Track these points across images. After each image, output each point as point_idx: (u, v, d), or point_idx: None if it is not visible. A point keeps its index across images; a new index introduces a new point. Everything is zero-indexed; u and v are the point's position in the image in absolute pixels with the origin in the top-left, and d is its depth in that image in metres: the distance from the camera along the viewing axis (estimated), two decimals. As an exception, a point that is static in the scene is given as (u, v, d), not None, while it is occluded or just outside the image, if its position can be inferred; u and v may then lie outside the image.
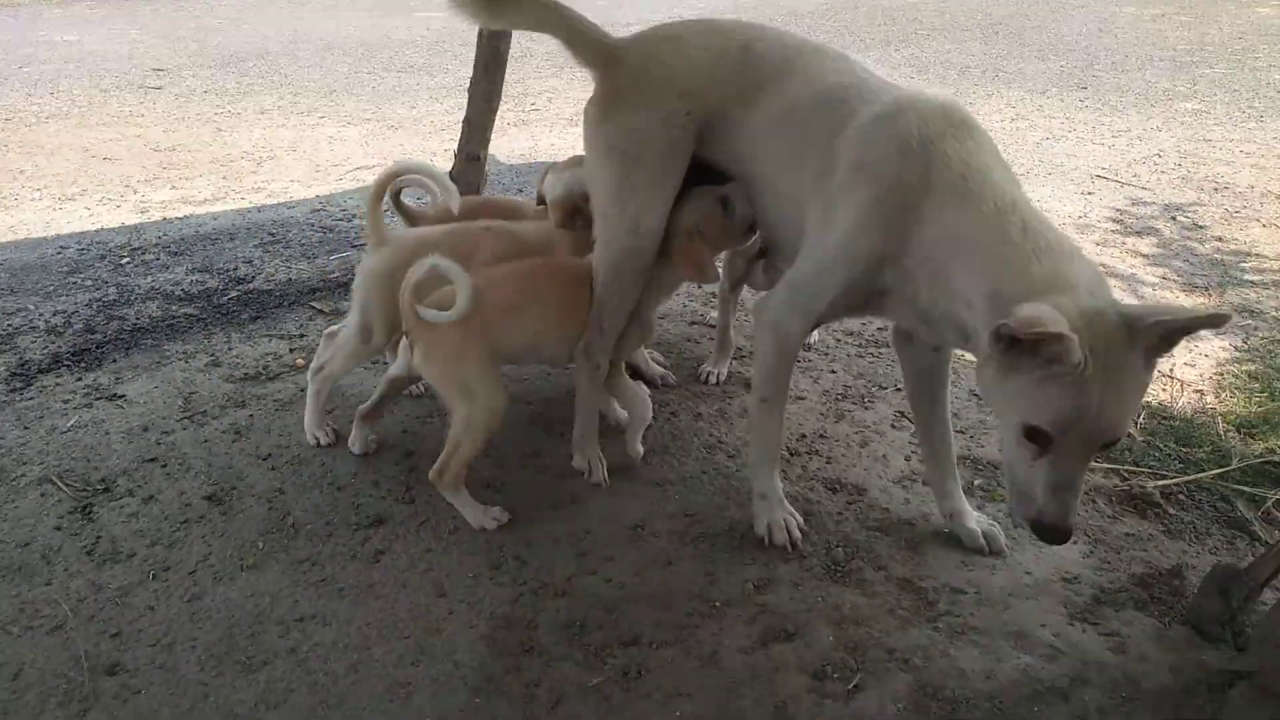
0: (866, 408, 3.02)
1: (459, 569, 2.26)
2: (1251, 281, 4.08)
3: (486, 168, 3.99)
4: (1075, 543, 2.36)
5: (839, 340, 3.50)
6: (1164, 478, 2.62)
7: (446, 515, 2.45)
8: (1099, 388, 1.59)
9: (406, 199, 3.04)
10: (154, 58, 9.34)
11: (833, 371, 3.27)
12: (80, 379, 3.15)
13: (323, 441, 2.75)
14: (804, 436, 2.84)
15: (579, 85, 8.45)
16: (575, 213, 2.64)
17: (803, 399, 3.06)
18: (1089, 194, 5.33)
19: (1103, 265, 4.22)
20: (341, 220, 4.88)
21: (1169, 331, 1.62)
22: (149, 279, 4.03)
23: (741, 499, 2.50)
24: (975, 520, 2.35)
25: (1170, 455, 2.74)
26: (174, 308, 3.74)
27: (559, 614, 2.11)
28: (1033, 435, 1.69)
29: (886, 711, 1.84)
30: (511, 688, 1.91)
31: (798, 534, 2.33)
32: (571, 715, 1.84)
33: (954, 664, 1.96)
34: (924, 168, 1.92)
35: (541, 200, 2.80)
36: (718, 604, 2.15)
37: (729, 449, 2.78)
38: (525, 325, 2.47)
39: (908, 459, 2.73)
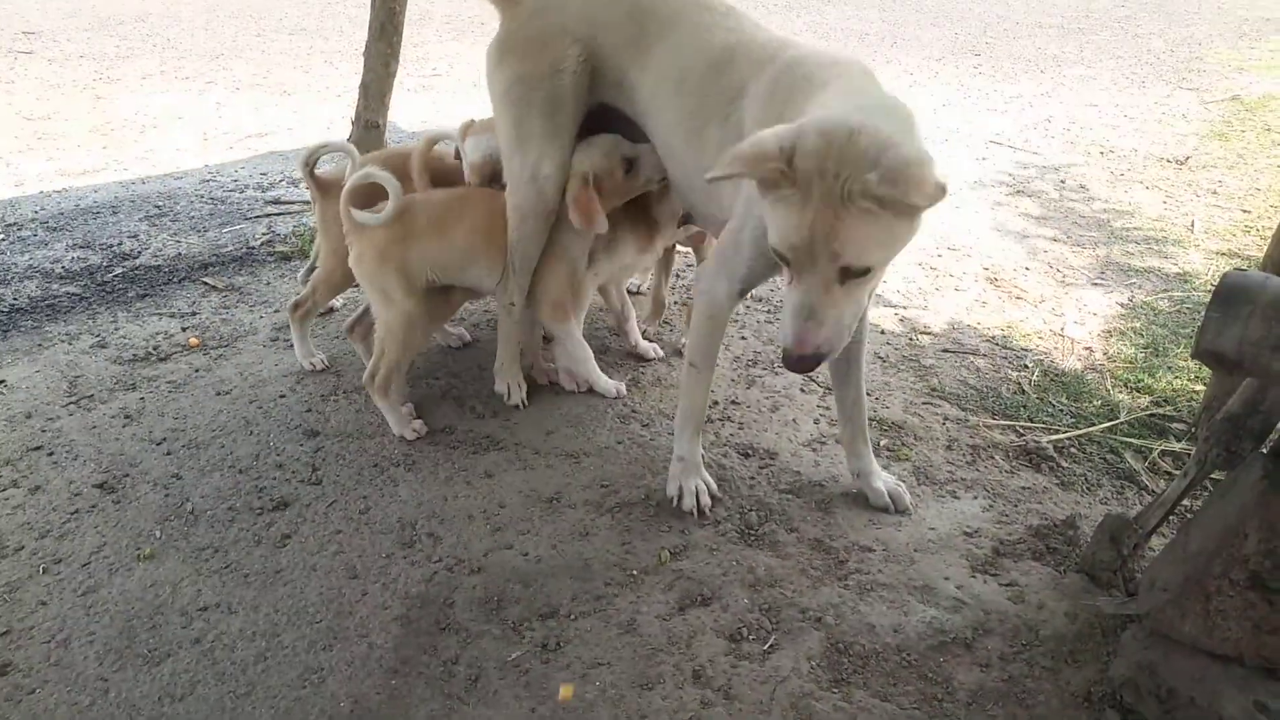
0: (776, 373, 3.06)
1: (371, 549, 2.21)
2: (1135, 240, 4.27)
3: (386, 134, 3.87)
4: (975, 497, 2.45)
5: (748, 307, 3.53)
6: (1056, 432, 2.73)
7: (355, 495, 2.39)
8: (822, 209, 1.60)
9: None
10: (23, 19, 8.74)
11: (743, 338, 3.30)
12: (-48, 365, 2.96)
13: (318, 366, 2.91)
14: (716, 403, 2.86)
15: (480, 49, 8.28)
16: (495, 176, 2.66)
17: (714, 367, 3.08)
18: (983, 159, 5.48)
19: (996, 227, 4.36)
20: (233, 191, 4.67)
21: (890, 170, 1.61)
22: (26, 256, 3.80)
23: (657, 468, 2.51)
24: (882, 480, 2.41)
25: (1062, 410, 2.86)
26: (55, 286, 3.54)
27: (475, 590, 2.09)
28: (780, 260, 1.73)
29: (801, 669, 1.88)
30: (429, 667, 1.88)
31: (707, 501, 2.36)
32: (490, 691, 1.82)
33: (864, 620, 2.02)
34: None
35: (458, 157, 2.75)
36: (634, 572, 2.16)
37: (643, 418, 2.78)
38: (450, 244, 2.60)
39: (816, 422, 2.79)
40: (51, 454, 2.53)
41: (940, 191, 1.57)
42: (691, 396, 2.35)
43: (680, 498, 2.35)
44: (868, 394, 2.86)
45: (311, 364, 2.95)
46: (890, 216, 1.60)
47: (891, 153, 1.56)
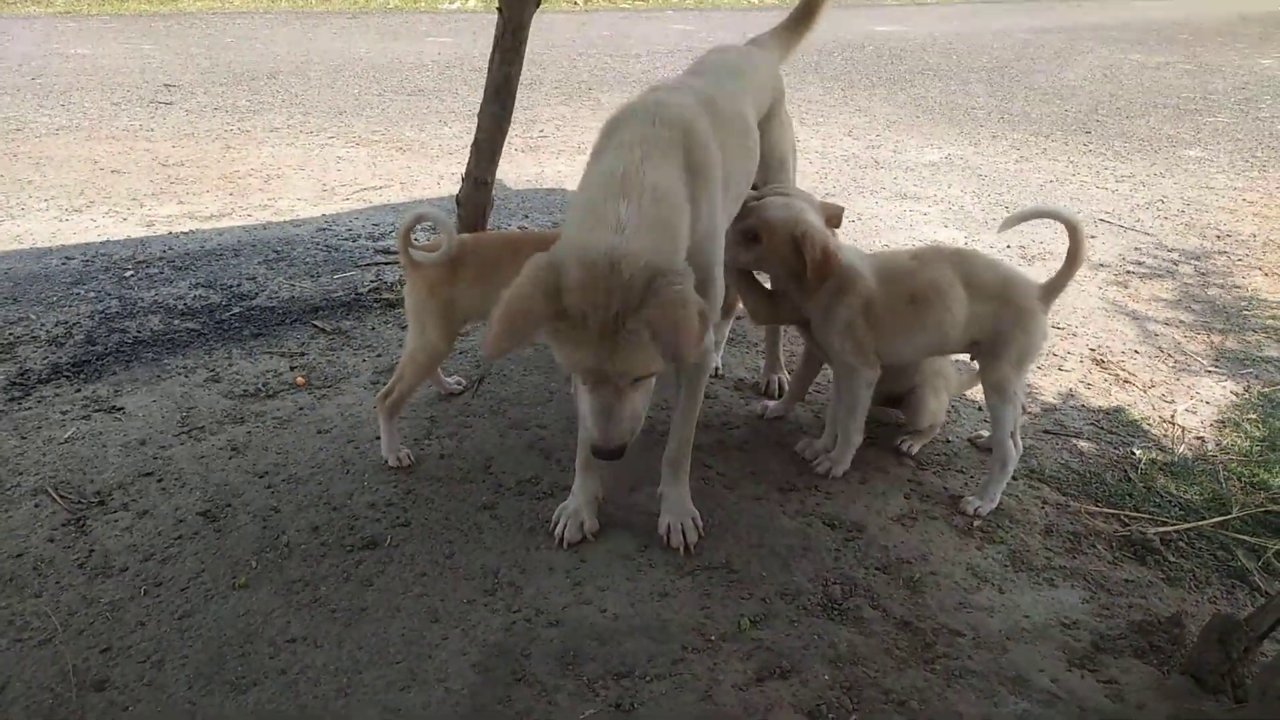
0: (868, 443, 3.00)
1: (453, 594, 2.24)
2: (1253, 328, 4.09)
3: (493, 193, 4.01)
4: (1074, 587, 2.35)
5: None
6: (1164, 524, 2.60)
7: (442, 539, 2.43)
8: (600, 339, 1.70)
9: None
10: (165, 73, 9.40)
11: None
12: (79, 390, 3.15)
13: (404, 463, 2.79)
14: (803, 472, 2.82)
15: (587, 113, 8.51)
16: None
17: (806, 431, 3.05)
18: (1092, 238, 5.34)
19: (1105, 305, 4.23)
20: (347, 240, 4.89)
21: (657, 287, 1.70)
22: (152, 292, 4.03)
23: (739, 533, 2.49)
24: None
25: (1170, 501, 2.73)
26: (176, 322, 3.74)
27: (552, 643, 2.09)
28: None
29: (881, 753, 1.82)
30: (503, 717, 1.88)
31: (574, 535, 2.44)
32: (563, 747, 1.81)
33: (950, 707, 1.94)
34: None
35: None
36: (713, 638, 2.13)
37: (727, 480, 2.77)
38: (496, 288, 2.51)
39: (907, 497, 2.72)
40: (161, 480, 2.65)
41: (703, 348, 1.75)
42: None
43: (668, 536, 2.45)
44: (959, 474, 2.79)
45: (398, 459, 2.79)
46: (671, 317, 1.71)
47: (658, 294, 1.66)
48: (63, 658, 1.99)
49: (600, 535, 2.48)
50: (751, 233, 2.57)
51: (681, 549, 2.39)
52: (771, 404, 3.17)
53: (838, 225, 2.74)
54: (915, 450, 2.93)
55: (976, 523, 2.59)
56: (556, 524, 2.45)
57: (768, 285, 2.86)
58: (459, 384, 3.27)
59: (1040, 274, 3.11)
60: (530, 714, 1.89)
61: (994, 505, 2.62)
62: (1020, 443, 2.66)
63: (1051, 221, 3.05)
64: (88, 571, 2.27)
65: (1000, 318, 2.56)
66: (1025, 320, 2.56)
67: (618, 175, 1.83)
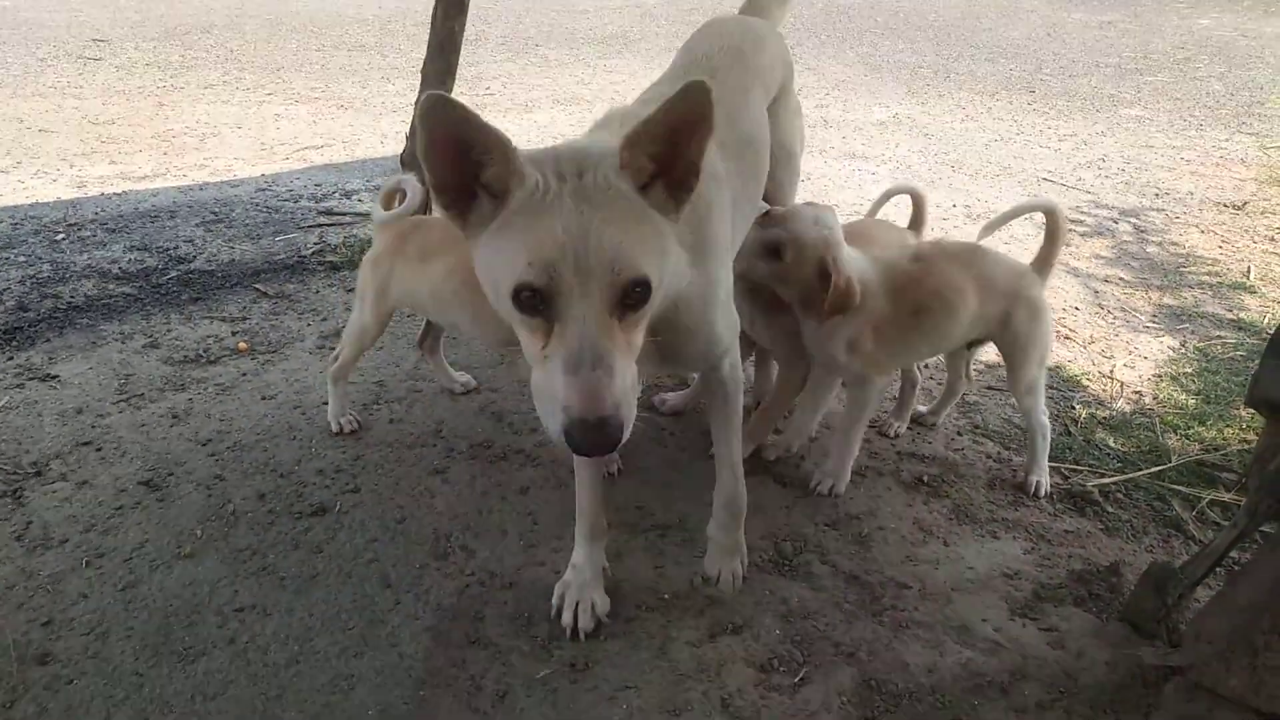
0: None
1: (405, 559, 2.22)
2: (1189, 284, 4.19)
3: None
4: (1016, 539, 2.41)
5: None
6: (1102, 476, 2.67)
7: (392, 505, 2.41)
8: (575, 212, 1.32)
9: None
10: (94, 27, 9.03)
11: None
12: (11, 358, 3.04)
13: (346, 429, 2.73)
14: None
15: (533, 70, 8.37)
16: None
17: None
18: (1034, 197, 5.42)
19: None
20: (288, 201, 4.77)
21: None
22: (85, 256, 3.90)
23: (692, 492, 2.50)
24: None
25: (1109, 454, 2.80)
26: (111, 286, 3.63)
27: (506, 606, 2.09)
28: (523, 301, 1.34)
29: (832, 704, 1.86)
30: (457, 680, 1.88)
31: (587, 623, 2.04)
32: (517, 708, 1.82)
33: (898, 657, 1.99)
34: None
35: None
36: (666, 596, 2.15)
37: (680, 442, 2.78)
38: (425, 275, 2.50)
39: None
40: (100, 450, 2.59)
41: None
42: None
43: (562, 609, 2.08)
44: (908, 431, 2.83)
45: (339, 424, 2.74)
46: (655, 216, 1.42)
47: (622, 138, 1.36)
48: (2, 632, 1.94)
49: (554, 495, 2.47)
50: (775, 246, 2.36)
51: (729, 589, 2.18)
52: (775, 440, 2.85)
53: None
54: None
55: (924, 478, 2.64)
56: (562, 610, 2.05)
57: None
58: (467, 385, 3.01)
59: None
60: (484, 676, 1.89)
61: (1047, 475, 2.62)
62: (1046, 411, 2.63)
63: (994, 183, 3.07)
64: (26, 544, 2.21)
65: (1015, 316, 2.47)
66: (1039, 313, 2.50)
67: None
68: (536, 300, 1.32)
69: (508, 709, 1.82)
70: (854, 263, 2.38)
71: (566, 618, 2.03)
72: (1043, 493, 2.59)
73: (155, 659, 1.90)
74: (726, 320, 1.92)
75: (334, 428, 2.72)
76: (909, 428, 2.91)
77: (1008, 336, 2.51)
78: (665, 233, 1.45)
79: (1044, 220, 2.57)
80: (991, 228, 2.67)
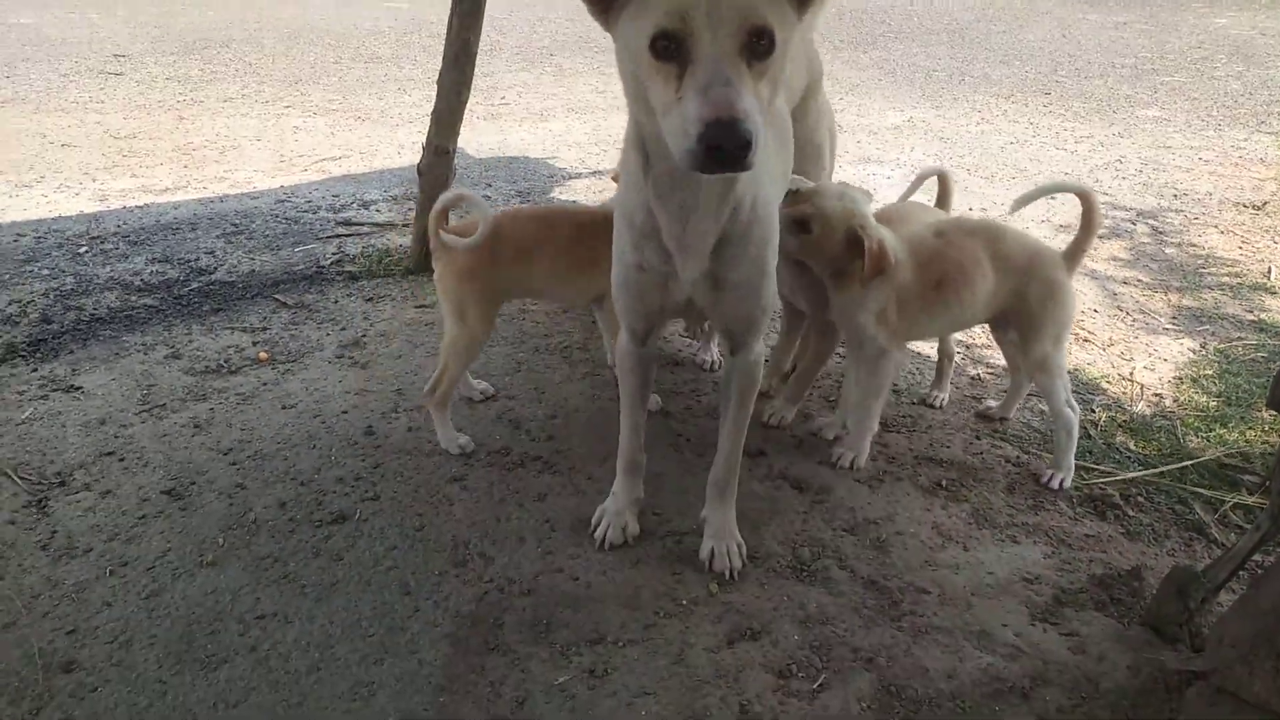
0: (831, 405, 3.03)
1: (424, 566, 2.24)
2: (1209, 285, 4.16)
3: (455, 161, 3.96)
4: (1036, 543, 2.40)
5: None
6: (1124, 479, 2.65)
7: (411, 512, 2.43)
8: None
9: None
10: (114, 43, 9.15)
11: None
12: (36, 370, 3.08)
13: (469, 449, 2.71)
14: (770, 438, 2.85)
15: (549, 79, 8.41)
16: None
17: (772, 398, 3.06)
18: (1051, 199, 5.39)
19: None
20: (306, 212, 4.81)
21: None
22: (108, 269, 3.95)
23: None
24: (711, 544, 2.31)
25: (1130, 457, 2.78)
26: (133, 298, 3.67)
27: (525, 612, 2.10)
28: (658, 49, 1.45)
29: (851, 710, 1.85)
30: (476, 687, 1.89)
31: (617, 536, 2.35)
32: (536, 714, 1.83)
33: (917, 663, 1.98)
34: None
35: None
36: (684, 602, 2.15)
37: (695, 446, 2.78)
38: (537, 267, 2.62)
39: (874, 459, 2.75)
40: (123, 460, 2.62)
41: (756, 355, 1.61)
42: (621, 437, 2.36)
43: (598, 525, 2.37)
44: (924, 434, 2.83)
45: (459, 447, 2.72)
46: None
47: None
48: (28, 640, 1.96)
49: (571, 502, 2.48)
50: (803, 221, 2.47)
51: (726, 573, 2.23)
52: (776, 404, 2.98)
53: None
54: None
55: (943, 482, 2.63)
56: (597, 525, 2.35)
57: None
58: (486, 392, 3.03)
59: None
60: (504, 682, 1.90)
61: (1072, 472, 2.63)
62: (1076, 406, 2.64)
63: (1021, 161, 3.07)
64: (51, 553, 2.24)
65: (1028, 292, 2.55)
66: (1056, 293, 2.55)
67: None
68: (671, 47, 1.44)
69: (527, 715, 1.83)
70: (886, 234, 2.49)
71: (598, 533, 2.33)
72: (1056, 487, 2.61)
73: (178, 667, 1.92)
74: (770, 292, 2.06)
75: (453, 450, 2.69)
76: (924, 432, 2.90)
77: (1021, 312, 2.58)
78: (787, 10, 1.53)
79: (1079, 206, 2.61)
80: (1023, 202, 2.69)
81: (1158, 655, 1.95)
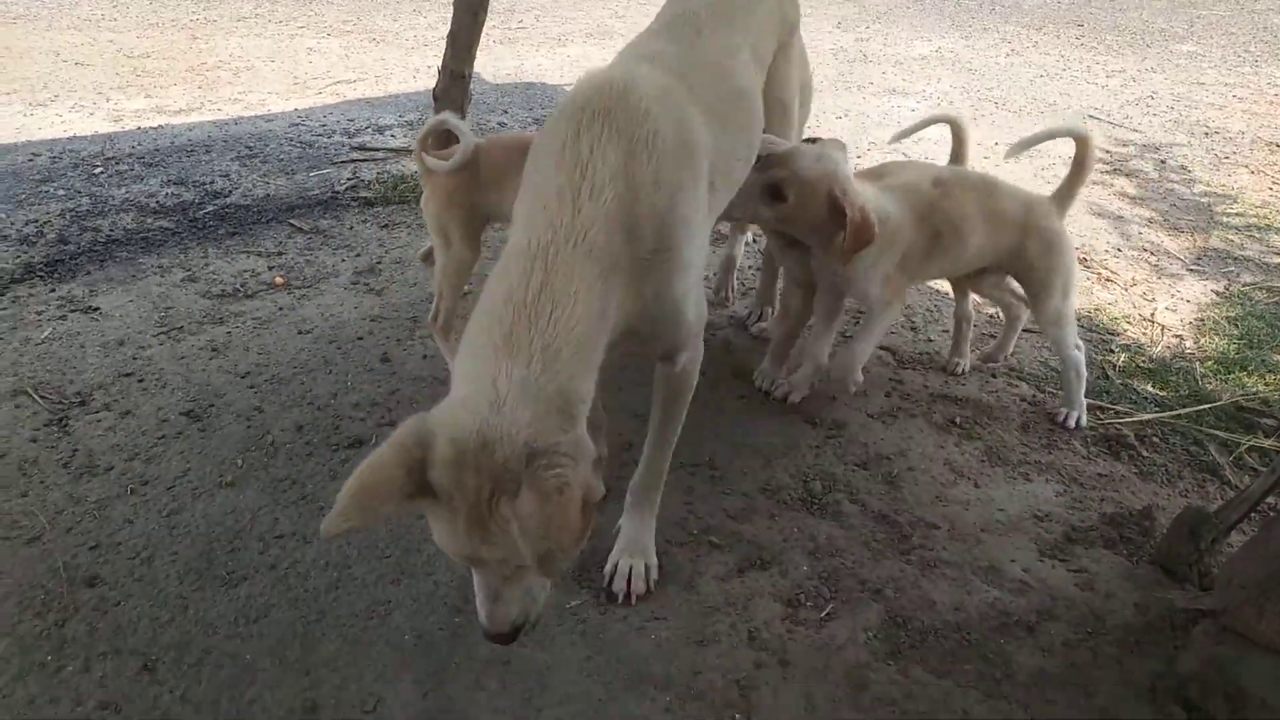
0: (845, 340, 3.02)
1: (439, 491, 2.26)
2: (1236, 227, 4.08)
3: (471, 86, 3.89)
4: (1049, 481, 2.40)
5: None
6: (1137, 416, 2.65)
7: (427, 438, 2.45)
8: (471, 523, 1.32)
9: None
10: (126, -42, 8.98)
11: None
12: (54, 290, 3.10)
13: None
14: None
15: (566, 4, 8.23)
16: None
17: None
18: (1066, 121, 5.28)
19: (1089, 205, 4.21)
20: (321, 135, 4.76)
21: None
22: (123, 190, 3.94)
23: (722, 431, 2.52)
24: (621, 558, 2.04)
25: (1147, 399, 2.77)
26: (149, 220, 3.66)
27: (538, 538, 2.12)
28: None
29: (858, 639, 1.88)
30: (490, 608, 1.92)
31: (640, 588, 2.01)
32: (549, 636, 1.86)
33: (925, 596, 2.00)
34: None
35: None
36: (695, 532, 2.17)
37: (709, 379, 2.78)
38: (512, 192, 2.47)
39: (888, 395, 2.75)
40: (142, 380, 2.64)
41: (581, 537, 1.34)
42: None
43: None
44: (939, 372, 2.81)
45: None
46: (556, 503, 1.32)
47: (534, 479, 1.28)
48: (52, 555, 2.01)
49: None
50: (777, 188, 2.26)
51: (621, 597, 1.96)
52: (763, 367, 2.81)
53: None
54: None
55: (957, 419, 2.63)
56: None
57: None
58: None
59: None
60: (517, 605, 1.93)
61: (1085, 410, 2.62)
62: (1082, 345, 2.61)
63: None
64: (73, 471, 2.27)
65: (1028, 248, 2.48)
66: (1051, 243, 2.49)
67: (510, 309, 1.41)
68: None
69: (539, 637, 1.86)
70: (870, 196, 2.31)
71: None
72: (1073, 425, 2.60)
73: (199, 583, 1.96)
74: (697, 310, 1.80)
75: None
76: (939, 369, 2.89)
77: (1024, 269, 2.53)
78: None
79: (1073, 148, 2.54)
80: (1019, 149, 2.61)
81: (1166, 594, 1.97)
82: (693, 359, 1.89)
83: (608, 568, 2.01)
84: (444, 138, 2.88)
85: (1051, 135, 2.65)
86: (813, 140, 2.39)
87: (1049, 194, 2.59)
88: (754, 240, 3.56)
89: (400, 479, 1.31)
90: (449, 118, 2.57)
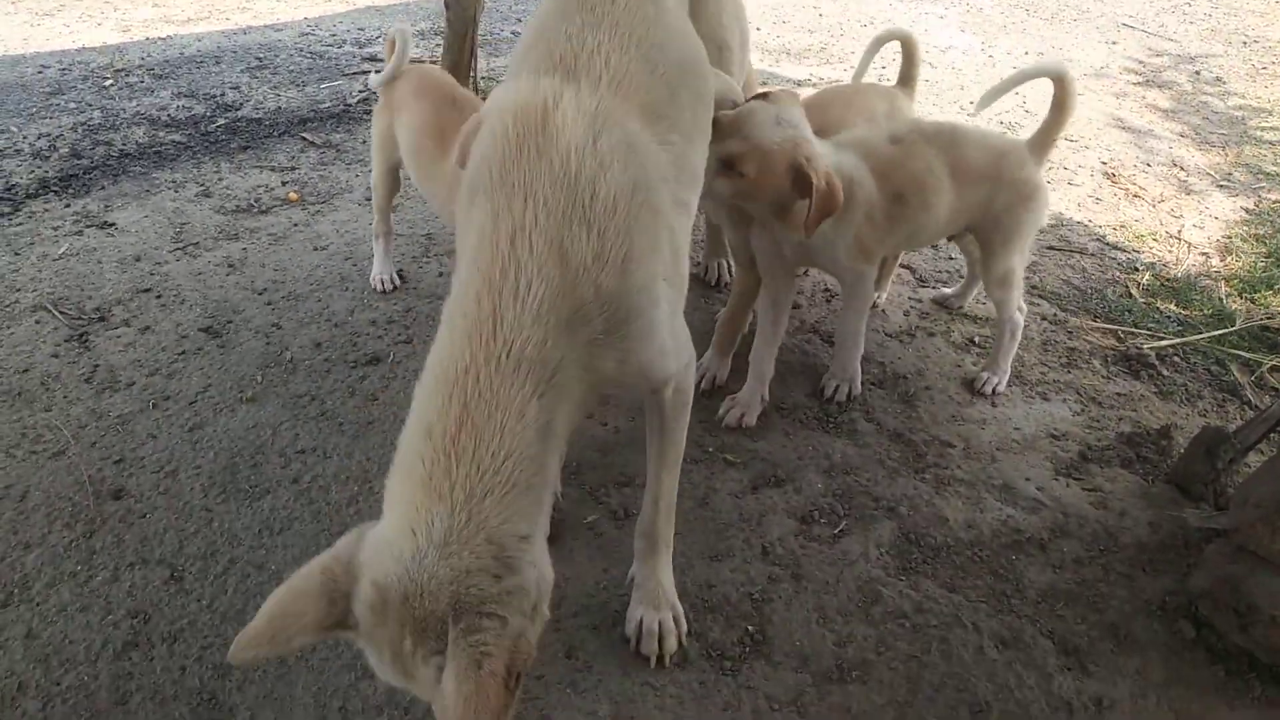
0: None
1: (456, 408, 2.27)
2: (1269, 141, 3.97)
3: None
4: (1066, 400, 2.39)
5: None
6: (1161, 339, 2.62)
7: (444, 355, 2.45)
8: (394, 664, 1.19)
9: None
10: None
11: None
12: (69, 205, 3.09)
13: (383, 288, 2.73)
14: (802, 290, 2.82)
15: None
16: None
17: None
18: (1113, 43, 5.10)
19: (1118, 118, 4.09)
20: (331, 46, 4.66)
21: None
22: (134, 103, 3.89)
23: (737, 351, 2.50)
24: (641, 615, 1.75)
25: (1170, 318, 2.73)
26: (161, 134, 3.62)
27: (555, 454, 2.14)
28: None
29: (870, 555, 1.90)
30: (508, 523, 1.95)
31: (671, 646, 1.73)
32: (566, 550, 1.89)
33: (938, 513, 2.02)
34: None
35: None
36: (710, 449, 2.18)
37: (725, 297, 2.76)
38: (409, 137, 2.41)
39: (906, 315, 2.72)
40: (160, 297, 2.65)
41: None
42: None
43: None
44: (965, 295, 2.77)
45: (380, 282, 2.74)
46: None
47: (455, 646, 1.12)
48: (77, 468, 2.04)
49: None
50: (734, 161, 1.96)
51: (653, 660, 1.70)
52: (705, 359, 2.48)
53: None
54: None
55: (975, 338, 2.61)
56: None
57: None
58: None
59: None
60: (534, 520, 1.96)
61: (1007, 375, 2.42)
62: (1024, 306, 2.41)
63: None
64: (94, 386, 2.30)
65: (995, 199, 2.24)
66: (1026, 196, 2.24)
67: (429, 446, 1.22)
68: None
69: (557, 550, 1.87)
70: (831, 158, 2.08)
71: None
72: (989, 392, 2.41)
73: (223, 496, 2.00)
74: (675, 341, 1.54)
75: (373, 285, 2.73)
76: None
77: (987, 221, 2.28)
78: None
79: (1052, 88, 2.27)
80: (990, 98, 2.38)
81: (1180, 512, 1.97)
82: (680, 389, 1.63)
83: (630, 628, 1.74)
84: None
85: (1025, 78, 2.36)
86: (764, 96, 2.08)
87: (1025, 140, 2.34)
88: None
89: (322, 610, 1.20)
90: (399, 30, 2.49)
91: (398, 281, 2.75)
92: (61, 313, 2.55)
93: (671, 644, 1.71)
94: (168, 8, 5.13)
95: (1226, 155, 3.82)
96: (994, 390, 2.41)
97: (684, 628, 1.74)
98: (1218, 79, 4.68)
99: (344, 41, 4.73)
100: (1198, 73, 4.76)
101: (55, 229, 2.94)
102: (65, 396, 2.26)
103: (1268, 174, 3.66)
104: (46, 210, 3.05)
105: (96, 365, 2.37)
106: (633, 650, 1.71)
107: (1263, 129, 4.09)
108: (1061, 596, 1.82)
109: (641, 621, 1.72)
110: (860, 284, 2.28)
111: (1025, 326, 2.64)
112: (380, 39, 4.78)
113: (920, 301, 2.78)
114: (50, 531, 1.89)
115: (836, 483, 2.09)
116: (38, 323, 2.51)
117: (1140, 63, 4.85)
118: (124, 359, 2.40)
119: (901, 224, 2.23)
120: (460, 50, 3.61)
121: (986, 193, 2.24)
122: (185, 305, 2.61)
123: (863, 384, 2.40)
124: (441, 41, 4.09)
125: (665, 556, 1.77)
